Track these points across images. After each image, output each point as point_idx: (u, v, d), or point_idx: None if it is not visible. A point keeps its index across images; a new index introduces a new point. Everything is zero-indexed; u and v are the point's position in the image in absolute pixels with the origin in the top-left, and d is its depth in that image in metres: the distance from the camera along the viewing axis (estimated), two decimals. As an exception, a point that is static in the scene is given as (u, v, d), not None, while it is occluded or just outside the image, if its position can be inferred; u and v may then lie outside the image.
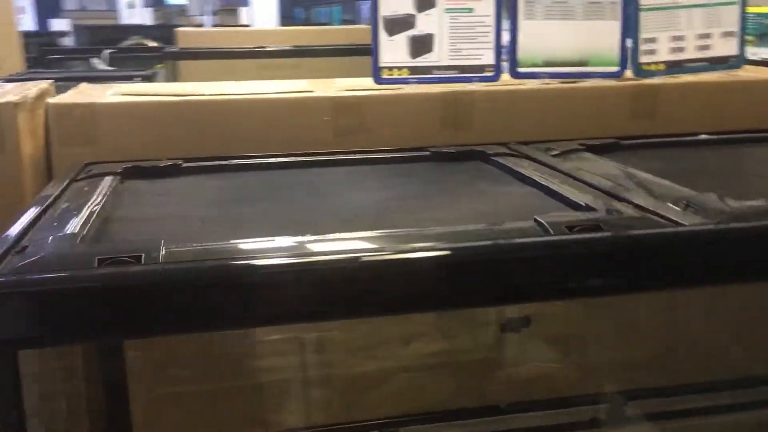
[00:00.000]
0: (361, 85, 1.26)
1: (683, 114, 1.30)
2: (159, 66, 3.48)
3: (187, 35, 4.06)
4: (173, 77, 3.31)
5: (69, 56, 4.49)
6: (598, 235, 0.67)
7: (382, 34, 1.27)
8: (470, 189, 0.93)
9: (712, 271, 0.67)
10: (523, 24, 1.30)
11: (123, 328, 0.60)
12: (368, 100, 1.19)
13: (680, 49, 1.37)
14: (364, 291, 0.61)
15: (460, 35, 1.29)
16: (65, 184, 0.89)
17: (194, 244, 0.66)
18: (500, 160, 1.02)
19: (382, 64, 1.28)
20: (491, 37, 1.29)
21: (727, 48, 1.39)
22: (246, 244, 0.68)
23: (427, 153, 1.07)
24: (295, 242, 0.66)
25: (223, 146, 1.13)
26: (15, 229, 0.71)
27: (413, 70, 1.28)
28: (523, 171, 0.95)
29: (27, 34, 5.15)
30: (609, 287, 0.67)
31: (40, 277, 0.58)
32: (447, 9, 1.28)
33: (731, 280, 0.71)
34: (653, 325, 1.32)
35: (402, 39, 1.28)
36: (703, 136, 1.13)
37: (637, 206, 0.76)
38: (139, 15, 6.07)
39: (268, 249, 0.66)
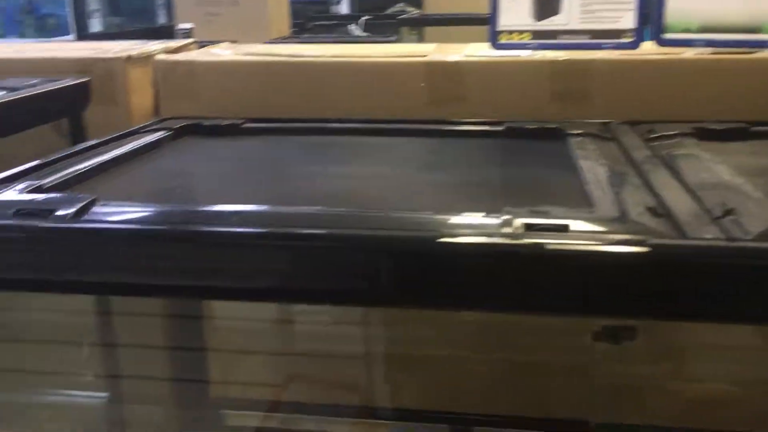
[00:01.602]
0: (476, 52, 1.14)
1: None
2: (412, 32, 3.62)
3: (434, 1, 4.11)
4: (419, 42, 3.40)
5: (333, 22, 4.82)
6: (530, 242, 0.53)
7: (503, -6, 1.14)
8: (495, 172, 0.80)
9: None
10: (674, -19, 1.08)
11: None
12: (467, 67, 1.08)
13: None
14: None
15: (594, -6, 1.11)
16: (117, 135, 0.93)
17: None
18: (573, 140, 0.86)
19: (500, 28, 1.14)
20: (632, -4, 1.09)
21: None
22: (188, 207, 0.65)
23: (501, 128, 0.94)
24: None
25: (312, 108, 1.11)
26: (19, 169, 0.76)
27: (536, 34, 1.13)
28: (579, 157, 0.79)
29: (302, 2, 5.59)
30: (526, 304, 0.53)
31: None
32: (580, -36, 1.11)
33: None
34: None
35: (525, -1, 1.13)
36: None
37: (654, 212, 0.59)
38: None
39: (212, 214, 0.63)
